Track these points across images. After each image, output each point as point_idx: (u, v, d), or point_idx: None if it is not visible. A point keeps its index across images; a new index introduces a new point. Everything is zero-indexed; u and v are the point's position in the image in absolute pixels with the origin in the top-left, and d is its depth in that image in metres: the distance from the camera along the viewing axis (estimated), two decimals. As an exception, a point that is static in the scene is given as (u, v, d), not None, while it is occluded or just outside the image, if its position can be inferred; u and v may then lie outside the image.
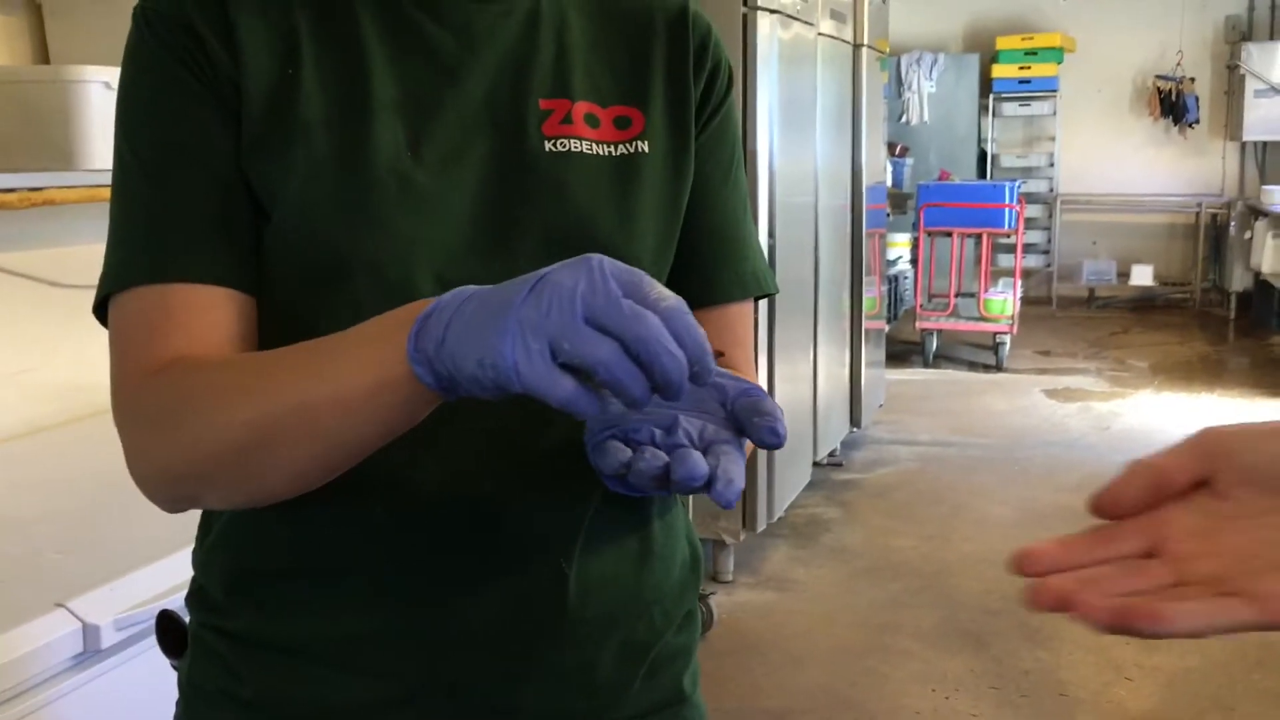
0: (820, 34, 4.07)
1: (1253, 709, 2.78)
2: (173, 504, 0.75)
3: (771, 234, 3.52)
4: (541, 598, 0.79)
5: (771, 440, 0.64)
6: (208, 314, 0.73)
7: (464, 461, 0.76)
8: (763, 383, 3.56)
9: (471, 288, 0.61)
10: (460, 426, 0.74)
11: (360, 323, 0.67)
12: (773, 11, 3.47)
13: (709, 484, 0.61)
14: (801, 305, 4.02)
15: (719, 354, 0.60)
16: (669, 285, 0.84)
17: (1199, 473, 0.52)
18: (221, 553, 0.81)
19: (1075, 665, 3.00)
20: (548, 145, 0.79)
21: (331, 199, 0.74)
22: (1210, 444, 0.52)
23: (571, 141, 0.80)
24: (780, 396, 3.69)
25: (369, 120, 0.75)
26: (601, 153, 0.81)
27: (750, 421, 0.66)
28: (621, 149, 0.82)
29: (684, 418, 0.66)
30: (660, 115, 0.84)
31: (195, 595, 0.84)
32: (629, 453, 0.62)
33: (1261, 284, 7.46)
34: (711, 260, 0.87)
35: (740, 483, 0.62)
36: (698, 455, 0.61)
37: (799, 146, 3.89)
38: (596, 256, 0.58)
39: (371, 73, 0.76)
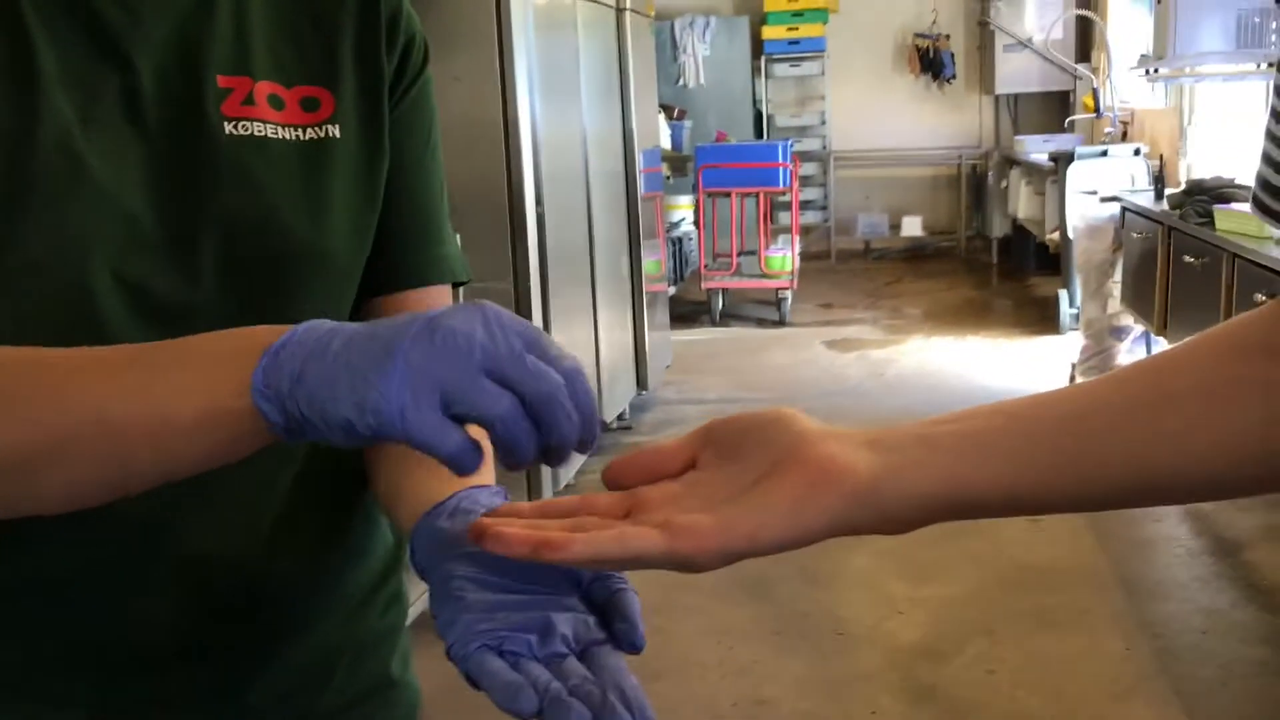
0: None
1: (1011, 629, 2.97)
2: None
3: (539, 201, 3.50)
4: (231, 608, 0.76)
5: (632, 651, 0.59)
6: None
7: None
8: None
9: (329, 323, 0.55)
10: None
11: (34, 326, 0.60)
12: (526, -22, 3.44)
13: None
14: (577, 272, 4.03)
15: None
16: (364, 273, 0.81)
17: (692, 456, 0.59)
18: None
19: (851, 604, 3.13)
20: (228, 128, 0.74)
21: None
22: (705, 431, 0.59)
23: (255, 125, 0.75)
24: (560, 365, 3.69)
25: (34, 95, 0.68)
26: (288, 137, 0.76)
27: (614, 625, 0.60)
28: (310, 133, 0.77)
29: (555, 618, 0.59)
30: (351, 97, 0.79)
31: None
32: (535, 700, 0.55)
33: (1019, 229, 7.92)
34: (409, 241, 0.83)
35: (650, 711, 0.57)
36: (622, 713, 0.55)
37: (564, 114, 3.88)
38: (491, 305, 0.54)
39: (33, 43, 0.69)
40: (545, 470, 3.61)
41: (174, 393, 0.56)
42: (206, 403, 0.56)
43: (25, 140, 0.67)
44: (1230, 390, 0.55)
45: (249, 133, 0.74)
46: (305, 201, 0.76)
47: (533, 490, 3.55)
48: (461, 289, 0.90)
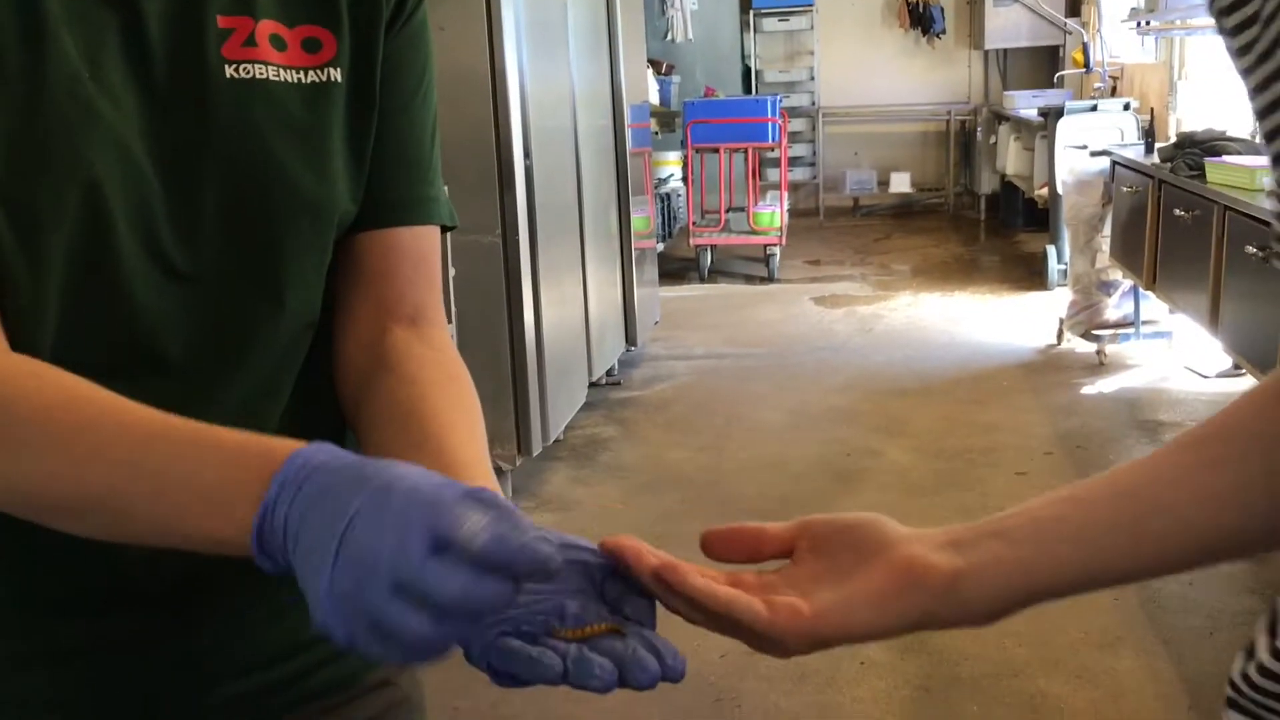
0: (567, -50, 4.01)
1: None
2: None
3: (528, 154, 3.47)
4: (182, 656, 0.76)
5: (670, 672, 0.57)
6: None
7: None
8: (528, 310, 3.56)
9: (307, 472, 0.56)
10: None
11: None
12: (513, -73, 3.39)
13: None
14: (566, 228, 4.01)
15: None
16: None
17: (790, 544, 0.64)
18: None
19: (840, 557, 3.13)
20: (229, 71, 0.71)
21: (3, 133, 0.64)
22: (802, 525, 0.64)
23: (256, 67, 0.72)
24: (549, 320, 3.68)
25: (43, 37, 0.65)
26: (290, 80, 0.74)
27: (625, 611, 0.61)
28: (312, 76, 0.75)
29: (568, 602, 0.60)
30: (350, 37, 0.77)
31: None
32: (559, 662, 0.55)
33: (1007, 185, 7.90)
34: (402, 179, 0.82)
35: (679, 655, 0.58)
36: (646, 656, 0.56)
37: (552, 68, 3.84)
38: (402, 486, 0.53)
39: None
40: (535, 429, 3.61)
41: (180, 511, 0.59)
42: (209, 532, 0.58)
43: (37, 84, 0.65)
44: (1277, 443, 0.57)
45: (250, 76, 0.72)
46: (306, 151, 0.74)
47: (522, 448, 3.55)
48: (449, 235, 0.88)
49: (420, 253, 0.83)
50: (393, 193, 0.81)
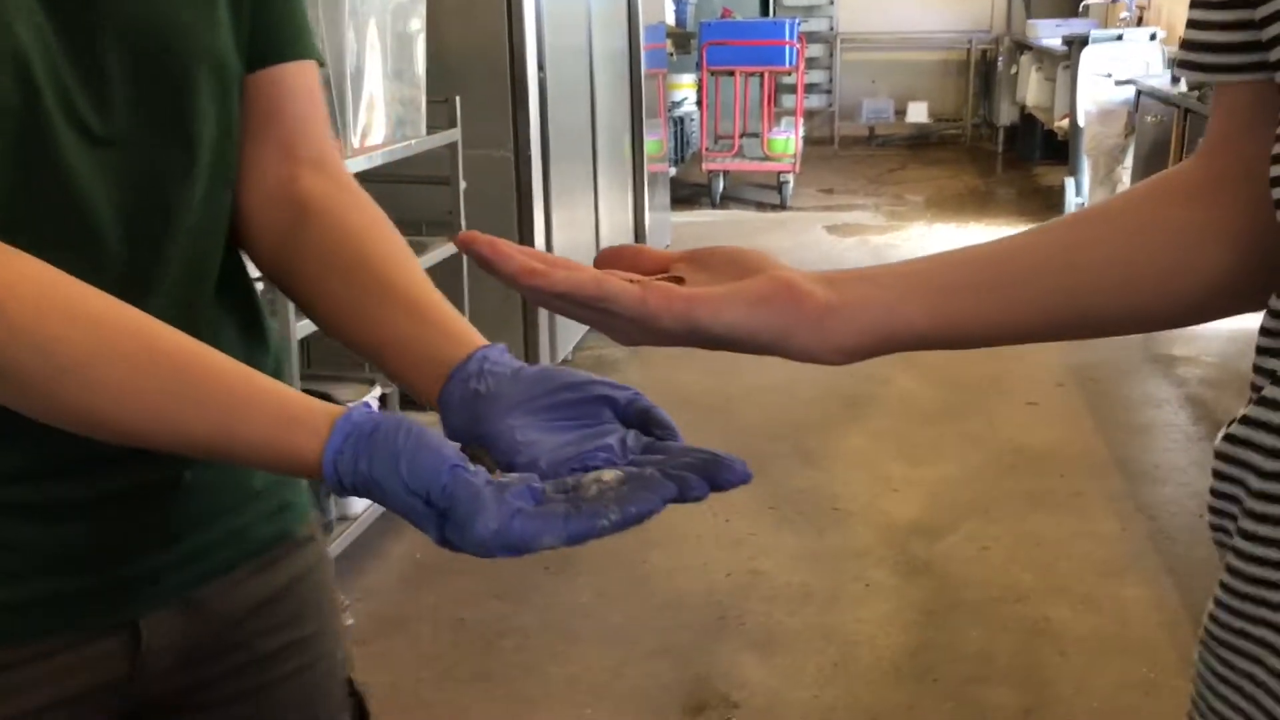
0: None
1: (1005, 509, 2.98)
2: None
3: (541, 67, 3.41)
4: (151, 510, 0.78)
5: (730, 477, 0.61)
6: None
7: None
8: (539, 230, 3.53)
9: (368, 421, 0.60)
10: None
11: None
12: None
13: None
14: (579, 150, 3.95)
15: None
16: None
17: (672, 263, 0.64)
18: None
19: (847, 482, 3.14)
20: None
21: None
22: (689, 251, 0.65)
23: None
24: (560, 241, 3.65)
25: None
26: None
27: (654, 433, 0.66)
28: None
29: (614, 438, 0.65)
30: None
31: None
32: (674, 488, 0.59)
33: (1026, 117, 7.79)
34: (278, 18, 0.82)
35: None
36: (725, 456, 0.61)
37: (567, -19, 3.76)
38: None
39: None
40: (543, 348, 3.60)
41: (253, 444, 0.62)
42: (283, 458, 0.62)
43: None
44: (1148, 231, 0.61)
45: None
46: (198, 6, 0.74)
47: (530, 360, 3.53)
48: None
49: (308, 88, 0.85)
50: (272, 33, 0.82)
